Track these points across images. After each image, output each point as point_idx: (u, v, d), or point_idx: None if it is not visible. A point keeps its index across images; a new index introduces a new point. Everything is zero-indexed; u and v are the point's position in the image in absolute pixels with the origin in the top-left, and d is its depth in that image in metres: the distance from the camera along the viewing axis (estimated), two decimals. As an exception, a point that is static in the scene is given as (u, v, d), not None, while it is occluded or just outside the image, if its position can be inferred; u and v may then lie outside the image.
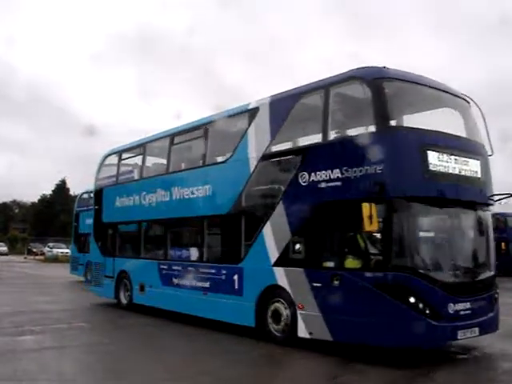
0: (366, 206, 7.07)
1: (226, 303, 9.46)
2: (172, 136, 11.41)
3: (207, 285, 10.01)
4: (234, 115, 9.95)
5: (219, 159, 10.41)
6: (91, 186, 24.33)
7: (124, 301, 12.78)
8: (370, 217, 7.03)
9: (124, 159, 13.44)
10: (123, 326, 10.67)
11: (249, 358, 7.80)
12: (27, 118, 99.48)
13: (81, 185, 25.47)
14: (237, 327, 9.14)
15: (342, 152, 7.79)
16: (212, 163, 10.39)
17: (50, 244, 45.92)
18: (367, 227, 7.07)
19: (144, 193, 12.02)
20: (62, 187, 69.21)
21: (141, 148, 12.53)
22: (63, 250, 41.07)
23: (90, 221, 20.92)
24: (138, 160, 13.00)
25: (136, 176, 12.63)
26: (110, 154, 14.03)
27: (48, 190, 70.15)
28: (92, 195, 20.17)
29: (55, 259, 40.06)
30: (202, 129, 10.54)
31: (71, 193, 64.95)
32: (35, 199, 73.06)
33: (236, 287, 9.30)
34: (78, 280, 21.39)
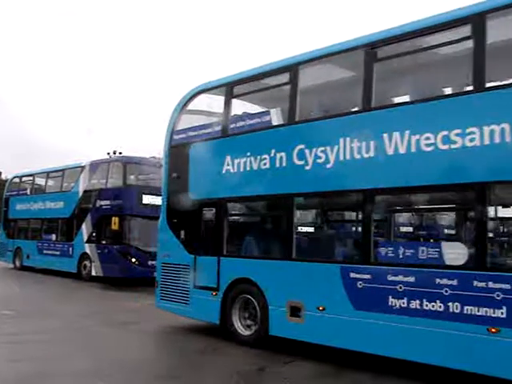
0: None
1: None
2: (373, 45, 6.45)
3: (501, 313, 5.21)
4: None
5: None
6: (22, 170, 22.19)
7: (243, 331, 7.60)
8: None
9: (239, 96, 8.23)
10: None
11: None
12: None
13: (13, 169, 22.52)
14: None
15: None
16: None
17: (-24, 229, 40.22)
18: None
19: (301, 147, 6.94)
20: (-8, 170, 61.05)
21: (287, 73, 7.37)
22: None
23: (20, 206, 21.37)
24: (270, 94, 7.90)
25: (276, 120, 7.47)
26: (201, 92, 8.73)
27: (-23, 172, 61.13)
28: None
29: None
30: (467, 24, 5.70)
31: (3, 177, 57.51)
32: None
33: None
34: (6, 267, 21.19)
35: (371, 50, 6.45)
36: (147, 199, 16.08)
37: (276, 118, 7.46)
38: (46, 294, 13.56)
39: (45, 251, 19.32)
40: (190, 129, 8.68)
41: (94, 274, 16.44)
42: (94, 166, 17.63)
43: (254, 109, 8.88)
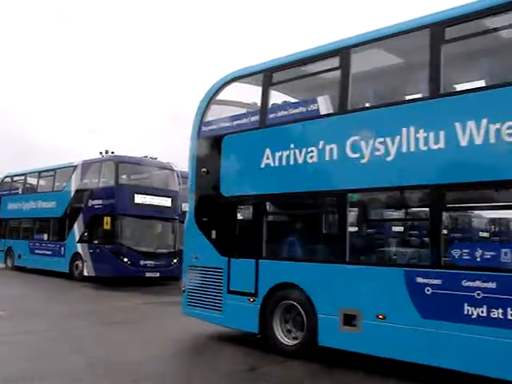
0: None
1: None
2: (441, 24, 5.78)
3: None
4: None
5: None
6: (14, 170, 21.89)
7: (286, 341, 6.91)
8: None
9: (278, 83, 7.54)
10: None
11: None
12: None
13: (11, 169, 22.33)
14: None
15: None
16: None
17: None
18: None
19: (356, 138, 6.25)
20: (-17, 170, 59.27)
21: (336, 57, 6.68)
22: None
23: (12, 205, 20.96)
24: (311, 82, 7.25)
25: (325, 109, 6.79)
26: (233, 80, 8.03)
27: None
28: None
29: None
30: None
31: (-4, 176, 55.83)
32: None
33: None
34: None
35: (439, 30, 5.81)
36: (139, 199, 16.13)
37: (325, 106, 6.79)
38: (37, 294, 13.34)
39: (37, 251, 19.14)
40: (222, 120, 7.99)
41: (86, 273, 16.33)
42: (86, 165, 17.52)
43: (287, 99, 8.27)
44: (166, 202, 16.69)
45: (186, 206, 18.35)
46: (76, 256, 16.92)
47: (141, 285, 15.32)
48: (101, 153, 17.80)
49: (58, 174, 18.94)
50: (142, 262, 15.72)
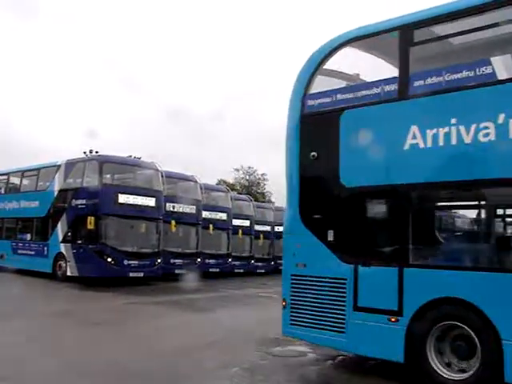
0: None
1: None
2: None
3: None
4: None
5: None
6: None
7: (449, 373, 5.32)
8: None
9: (420, 43, 5.88)
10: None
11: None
12: None
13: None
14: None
15: None
16: None
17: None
18: None
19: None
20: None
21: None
22: None
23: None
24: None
25: (504, 72, 5.18)
26: (349, 41, 6.36)
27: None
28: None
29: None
30: None
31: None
32: None
33: None
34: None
35: None
36: (123, 198, 16.09)
37: (504, 69, 5.23)
38: (19, 294, 13.02)
39: (19, 251, 18.80)
40: (338, 90, 6.34)
41: (69, 273, 16.08)
42: (70, 165, 17.31)
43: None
44: (150, 201, 16.74)
45: (170, 206, 18.31)
46: (59, 256, 16.60)
47: (124, 285, 15.17)
48: (85, 152, 17.36)
49: (41, 174, 18.57)
50: (125, 262, 15.72)
